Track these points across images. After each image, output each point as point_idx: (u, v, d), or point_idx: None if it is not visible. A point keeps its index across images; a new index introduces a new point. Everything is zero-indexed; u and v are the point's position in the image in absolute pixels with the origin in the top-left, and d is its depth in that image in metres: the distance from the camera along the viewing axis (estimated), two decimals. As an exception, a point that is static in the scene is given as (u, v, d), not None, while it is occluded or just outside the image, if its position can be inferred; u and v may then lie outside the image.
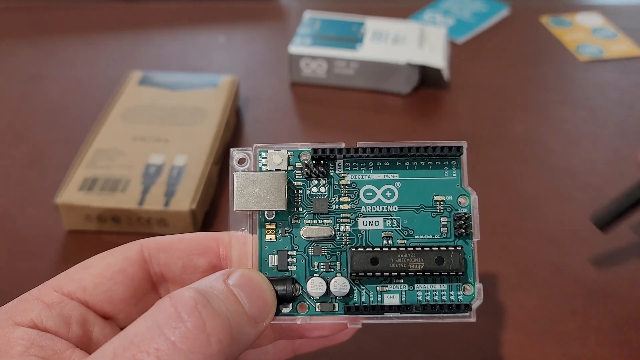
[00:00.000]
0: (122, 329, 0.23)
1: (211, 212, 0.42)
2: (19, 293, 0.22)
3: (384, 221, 0.24)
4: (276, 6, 0.68)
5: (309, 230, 0.23)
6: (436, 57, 0.51)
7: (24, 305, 0.21)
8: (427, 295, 0.23)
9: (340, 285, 0.23)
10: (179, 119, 0.45)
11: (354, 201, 0.24)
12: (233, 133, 0.49)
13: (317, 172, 0.24)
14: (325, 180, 0.24)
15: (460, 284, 0.23)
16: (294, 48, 0.53)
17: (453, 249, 0.23)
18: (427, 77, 0.53)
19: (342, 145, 0.23)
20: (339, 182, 0.24)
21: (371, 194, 0.24)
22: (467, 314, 0.23)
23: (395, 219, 0.24)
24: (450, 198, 0.24)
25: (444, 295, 0.23)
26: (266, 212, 0.24)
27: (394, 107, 0.52)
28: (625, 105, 0.52)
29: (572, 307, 0.35)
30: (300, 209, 0.24)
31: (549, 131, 0.49)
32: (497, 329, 0.34)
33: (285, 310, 0.23)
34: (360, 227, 0.24)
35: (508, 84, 0.55)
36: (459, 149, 0.24)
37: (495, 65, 0.57)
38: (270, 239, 0.24)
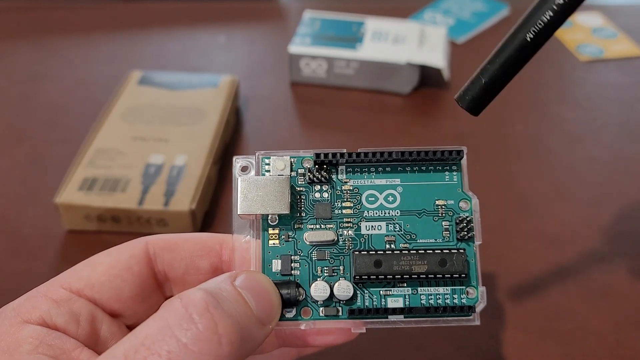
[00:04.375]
0: (128, 327, 0.23)
1: (211, 212, 0.42)
2: (19, 293, 0.22)
3: (387, 225, 0.24)
4: (276, 6, 0.68)
5: (312, 235, 0.24)
6: (436, 57, 0.51)
7: (32, 302, 0.21)
8: (431, 298, 0.23)
9: (344, 288, 0.23)
10: (178, 119, 0.45)
11: (357, 206, 0.24)
12: (233, 133, 0.49)
13: (319, 177, 0.24)
14: (327, 185, 0.24)
15: (464, 287, 0.23)
16: (294, 48, 0.53)
17: (456, 251, 0.23)
18: (427, 77, 0.53)
19: (344, 150, 0.24)
20: (341, 187, 0.24)
21: (373, 198, 0.24)
22: (471, 316, 0.23)
23: (397, 223, 0.24)
24: (452, 202, 0.24)
25: (447, 298, 0.23)
26: (269, 217, 0.24)
27: (394, 107, 0.52)
28: (625, 105, 0.52)
29: (572, 307, 0.35)
30: (303, 214, 0.24)
31: (549, 131, 0.49)
32: (497, 328, 0.34)
33: (289, 315, 0.23)
34: (363, 231, 0.24)
35: (508, 83, 0.55)
36: (459, 153, 0.24)
37: (495, 65, 0.57)
38: (274, 244, 0.24)
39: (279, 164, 0.24)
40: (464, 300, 0.23)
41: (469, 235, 0.24)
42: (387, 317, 0.23)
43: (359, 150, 0.24)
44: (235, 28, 0.63)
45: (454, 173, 0.24)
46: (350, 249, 0.24)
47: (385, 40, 0.54)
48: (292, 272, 0.23)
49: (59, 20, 0.63)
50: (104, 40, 0.61)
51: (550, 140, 0.48)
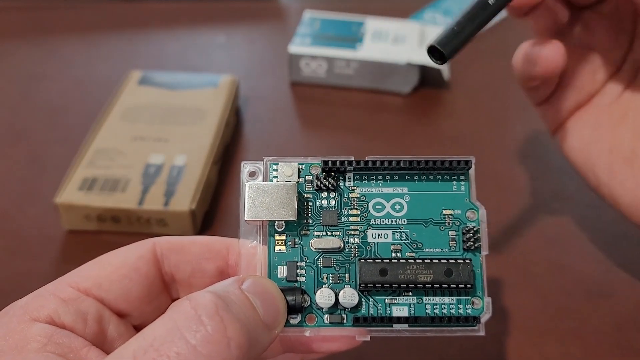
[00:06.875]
0: (135, 327, 0.23)
1: (211, 212, 0.42)
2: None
3: (393, 234, 0.24)
4: (276, 6, 0.68)
5: (319, 241, 0.24)
6: (436, 57, 0.51)
7: (40, 300, 0.21)
8: (436, 308, 0.23)
9: (349, 296, 0.23)
10: (178, 119, 0.45)
11: (363, 214, 0.24)
12: (233, 133, 0.49)
13: (327, 184, 0.24)
14: (335, 192, 0.24)
15: (469, 297, 0.23)
16: (294, 48, 0.53)
17: (462, 261, 0.23)
18: (427, 77, 0.53)
19: (352, 158, 0.24)
20: (348, 195, 0.24)
21: (380, 207, 0.24)
22: (476, 327, 0.23)
23: (404, 232, 0.24)
24: (459, 212, 0.24)
25: (452, 308, 0.23)
26: (276, 223, 0.24)
27: (394, 107, 0.52)
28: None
29: (572, 307, 0.35)
30: (309, 221, 0.24)
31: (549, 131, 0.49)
32: (497, 328, 0.34)
33: (293, 321, 0.23)
34: (370, 239, 0.24)
35: (508, 84, 0.55)
36: (467, 163, 0.24)
37: (495, 65, 0.57)
38: (280, 250, 0.24)
39: (286, 170, 0.24)
40: (469, 311, 0.23)
41: (475, 245, 0.24)
42: (391, 326, 0.23)
43: (367, 158, 0.24)
44: (235, 28, 0.63)
45: (462, 183, 0.24)
46: (356, 257, 0.24)
47: (385, 40, 0.54)
48: (298, 278, 0.23)
49: (59, 20, 0.63)
50: (104, 40, 0.60)
51: (550, 140, 0.48)
